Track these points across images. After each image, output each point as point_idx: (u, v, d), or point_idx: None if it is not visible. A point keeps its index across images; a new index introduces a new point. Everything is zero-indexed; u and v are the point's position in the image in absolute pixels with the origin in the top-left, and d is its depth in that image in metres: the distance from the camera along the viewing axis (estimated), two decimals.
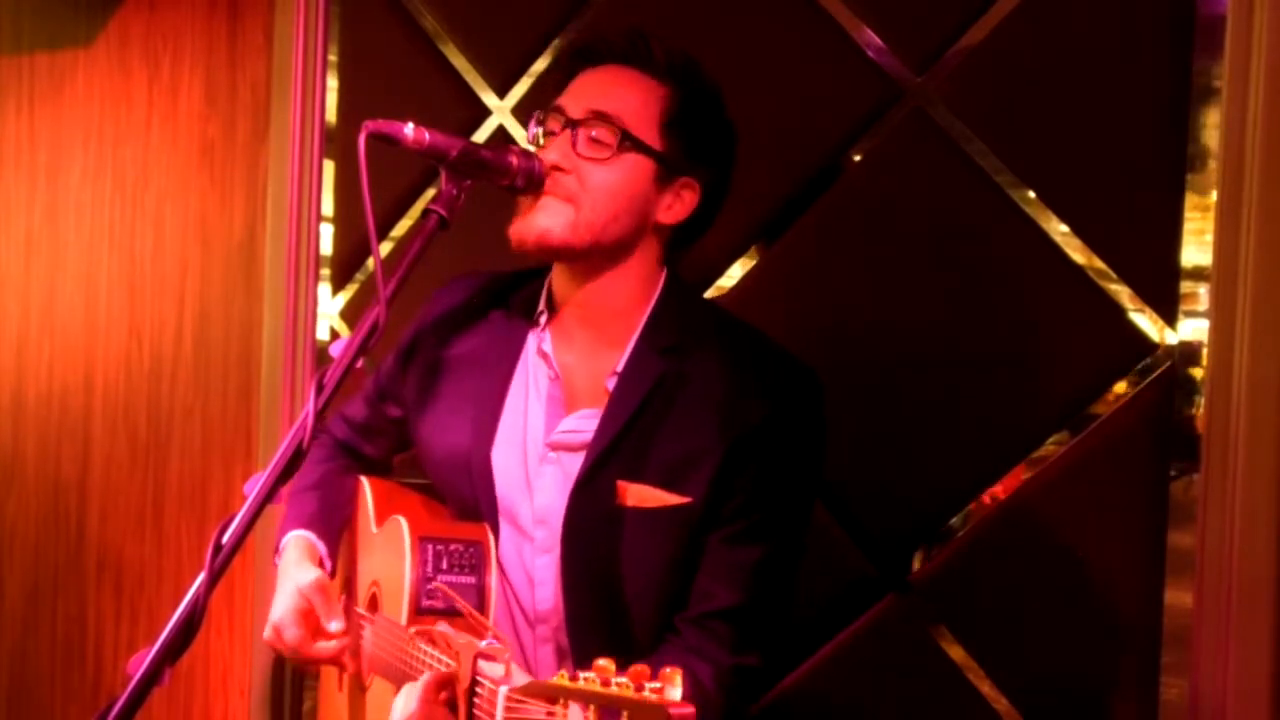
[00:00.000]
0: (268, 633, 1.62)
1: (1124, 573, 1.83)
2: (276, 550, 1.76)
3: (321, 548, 1.73)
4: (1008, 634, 1.90)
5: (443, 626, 1.42)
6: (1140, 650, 1.81)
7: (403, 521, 1.59)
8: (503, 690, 1.19)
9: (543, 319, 1.67)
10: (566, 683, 1.04)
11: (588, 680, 1.02)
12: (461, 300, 1.77)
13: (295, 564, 1.68)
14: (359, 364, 1.41)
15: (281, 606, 1.61)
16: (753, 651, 1.55)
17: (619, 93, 1.59)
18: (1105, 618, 1.84)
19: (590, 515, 1.57)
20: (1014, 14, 1.90)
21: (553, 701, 1.07)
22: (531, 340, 1.68)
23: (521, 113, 2.34)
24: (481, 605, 1.55)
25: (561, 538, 1.58)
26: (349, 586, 1.79)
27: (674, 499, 1.54)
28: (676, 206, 1.62)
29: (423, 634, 1.45)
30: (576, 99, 1.60)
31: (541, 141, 1.63)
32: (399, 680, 1.50)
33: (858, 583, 1.99)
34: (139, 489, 2.80)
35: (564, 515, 1.58)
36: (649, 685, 1.00)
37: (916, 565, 1.96)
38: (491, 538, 1.60)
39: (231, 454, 2.69)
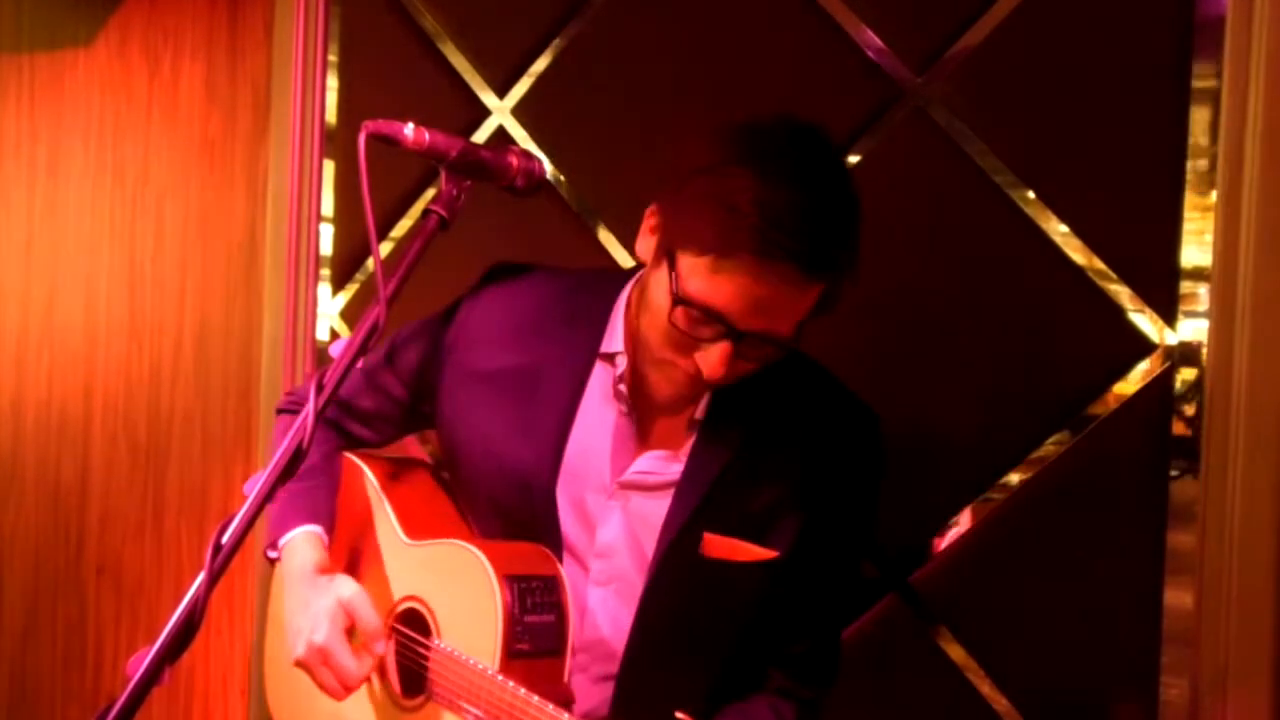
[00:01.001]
0: (305, 653, 1.52)
1: (1124, 573, 1.82)
2: (274, 543, 1.67)
3: (325, 541, 1.67)
4: (1008, 634, 1.90)
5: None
6: (1140, 650, 1.81)
7: (482, 557, 1.53)
8: None
9: (621, 361, 1.58)
10: None
11: None
12: (518, 298, 1.68)
13: (321, 569, 1.61)
14: (359, 364, 1.41)
15: (326, 626, 1.51)
16: (826, 684, 1.67)
17: (791, 308, 1.42)
18: (1105, 618, 1.84)
19: (678, 565, 1.56)
20: (1014, 14, 1.90)
21: None
22: (601, 371, 1.61)
23: (521, 113, 2.34)
24: (561, 645, 1.54)
25: (645, 588, 1.56)
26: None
27: (763, 553, 1.55)
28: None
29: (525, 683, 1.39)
30: (745, 309, 1.38)
31: (680, 321, 1.42)
32: None
33: (857, 583, 1.99)
34: (139, 492, 2.80)
35: (651, 567, 1.56)
36: None
37: (916, 565, 1.96)
38: (563, 571, 1.58)
39: (231, 456, 2.69)
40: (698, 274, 1.38)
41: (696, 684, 1.59)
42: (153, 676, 1.23)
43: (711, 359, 1.41)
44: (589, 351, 1.61)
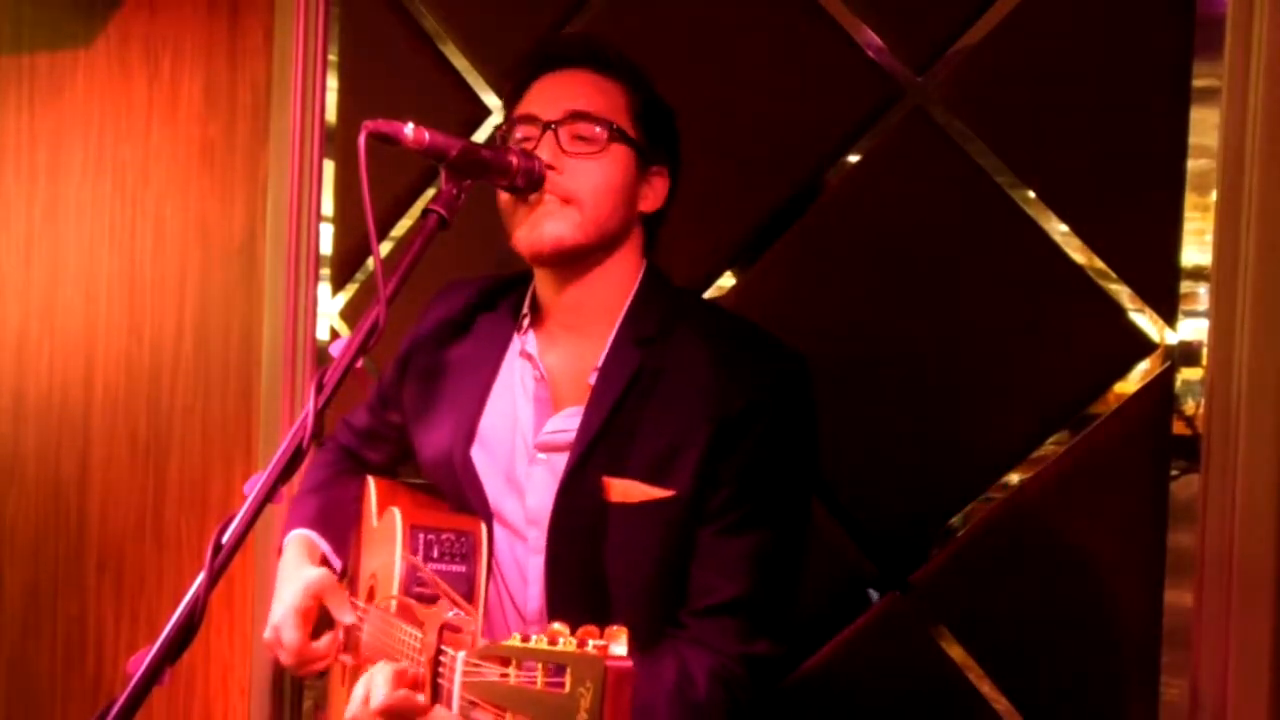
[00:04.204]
0: (268, 633, 1.63)
1: (1124, 573, 1.83)
2: (279, 552, 1.76)
3: (324, 545, 1.74)
4: (1008, 634, 1.90)
5: (411, 600, 1.44)
6: (1140, 650, 1.81)
7: (396, 511, 1.60)
8: (460, 655, 1.23)
9: (525, 322, 1.69)
10: (518, 644, 1.09)
11: (538, 640, 1.07)
12: (455, 307, 1.79)
13: (294, 564, 1.69)
14: (359, 364, 1.41)
15: (281, 607, 1.62)
16: (761, 639, 1.53)
17: (588, 91, 1.61)
18: (1105, 617, 1.84)
19: (576, 514, 1.56)
20: (1014, 14, 1.90)
21: (506, 664, 1.10)
22: (516, 342, 1.69)
23: (507, 105, 2.33)
24: (470, 594, 1.56)
25: (547, 537, 1.58)
26: (352, 583, 1.80)
27: (659, 492, 1.53)
28: (652, 195, 1.66)
29: (401, 608, 1.46)
30: (545, 103, 1.61)
31: (514, 140, 1.62)
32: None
33: (858, 582, 1.99)
34: (139, 488, 2.80)
35: (549, 516, 1.58)
36: (593, 641, 1.05)
37: (916, 565, 1.96)
38: (484, 528, 1.61)
39: (231, 454, 2.69)
40: (516, 106, 1.66)
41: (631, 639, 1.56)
42: (153, 676, 1.23)
43: (542, 153, 1.56)
44: (508, 331, 1.71)
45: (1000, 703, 1.91)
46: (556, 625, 1.07)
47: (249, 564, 2.58)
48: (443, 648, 1.33)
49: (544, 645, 1.06)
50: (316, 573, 1.63)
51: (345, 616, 1.61)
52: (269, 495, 1.32)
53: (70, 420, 2.89)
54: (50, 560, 2.92)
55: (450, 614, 1.34)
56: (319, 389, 1.35)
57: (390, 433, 1.88)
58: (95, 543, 2.86)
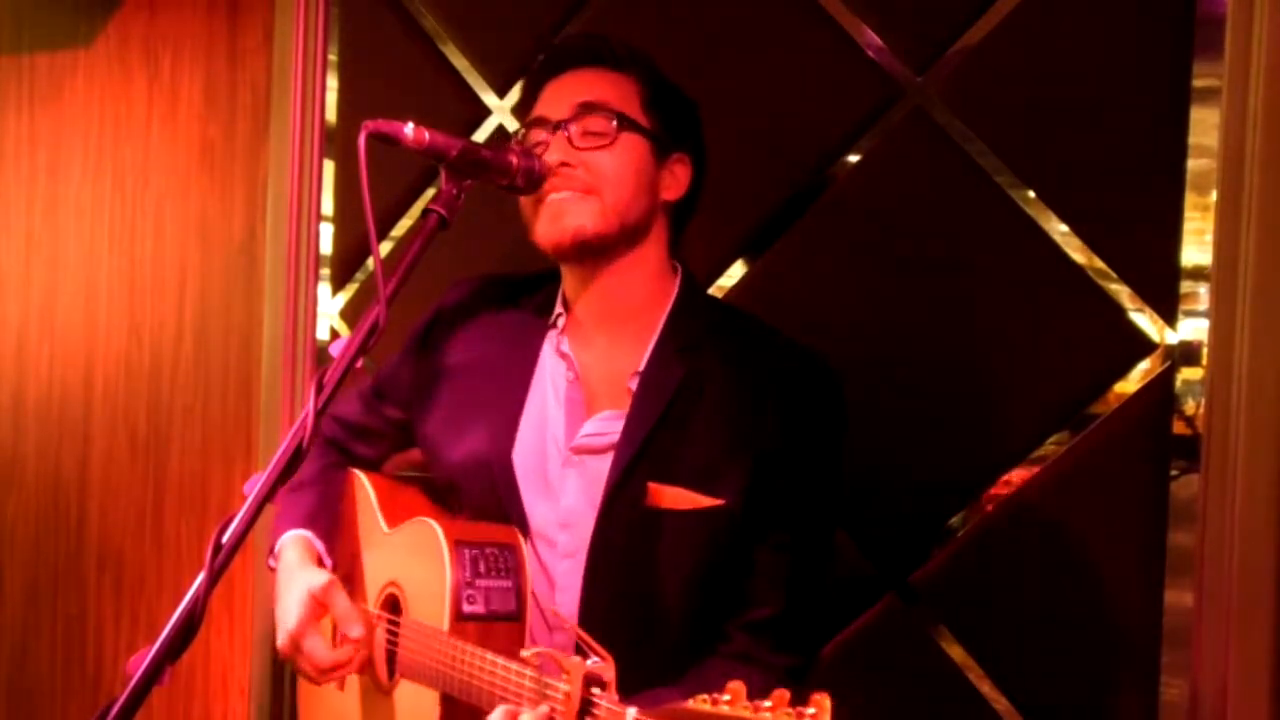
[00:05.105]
0: (283, 642, 1.59)
1: (1124, 573, 1.82)
2: (271, 551, 1.74)
3: (319, 545, 1.72)
4: (1008, 634, 1.90)
5: (554, 651, 1.35)
6: (1140, 650, 1.81)
7: (435, 526, 1.57)
8: (631, 713, 1.14)
9: (560, 321, 1.67)
10: (708, 707, 0.99)
11: (737, 707, 0.99)
12: (471, 303, 1.77)
13: (300, 566, 1.66)
14: (359, 364, 1.41)
15: (295, 614, 1.58)
16: (801, 652, 1.59)
17: (596, 86, 1.63)
18: (1105, 617, 1.84)
19: (623, 520, 1.56)
20: (1014, 14, 1.90)
21: None
22: (549, 342, 1.68)
23: (522, 112, 2.34)
24: (520, 609, 1.54)
25: (590, 543, 1.57)
26: (351, 585, 1.78)
27: (708, 501, 1.54)
28: (674, 183, 1.66)
29: (535, 659, 1.36)
30: (555, 104, 1.63)
31: (529, 141, 1.64)
32: (454, 690, 1.48)
33: (858, 582, 1.99)
34: (139, 488, 2.81)
35: (595, 521, 1.56)
36: (806, 712, 0.98)
37: (916, 565, 1.96)
38: (523, 540, 1.60)
39: (231, 454, 2.70)
40: (529, 114, 1.68)
41: (658, 646, 1.56)
42: (153, 676, 1.23)
43: (552, 153, 1.58)
44: (539, 334, 1.69)
45: (1000, 703, 1.91)
46: (735, 685, 1.01)
47: (249, 564, 2.57)
48: (591, 700, 1.26)
49: (747, 712, 0.98)
50: (321, 578, 1.61)
51: (353, 630, 1.58)
52: (269, 495, 1.32)
53: (70, 420, 2.89)
54: (50, 560, 2.92)
55: (590, 662, 1.27)
56: (319, 389, 1.35)
57: (386, 429, 1.85)
58: (95, 542, 2.86)
